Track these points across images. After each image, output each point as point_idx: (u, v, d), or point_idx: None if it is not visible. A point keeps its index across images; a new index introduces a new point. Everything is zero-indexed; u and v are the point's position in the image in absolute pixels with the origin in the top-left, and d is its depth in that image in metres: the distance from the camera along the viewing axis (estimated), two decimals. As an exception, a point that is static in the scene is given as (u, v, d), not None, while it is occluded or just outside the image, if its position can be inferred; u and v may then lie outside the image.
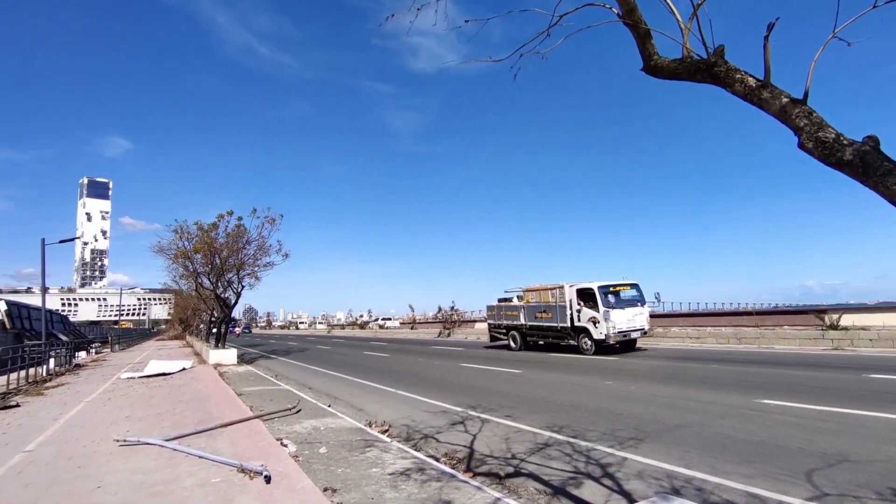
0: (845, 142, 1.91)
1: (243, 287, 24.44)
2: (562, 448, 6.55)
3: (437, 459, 6.17)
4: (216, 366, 19.11)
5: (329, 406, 10.16)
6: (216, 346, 23.55)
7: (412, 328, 54.44)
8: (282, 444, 6.79)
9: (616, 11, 2.64)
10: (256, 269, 24.22)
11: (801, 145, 2.01)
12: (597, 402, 9.52)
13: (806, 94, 2.07)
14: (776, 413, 7.89)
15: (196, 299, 33.40)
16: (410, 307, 60.98)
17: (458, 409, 9.56)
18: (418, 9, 3.36)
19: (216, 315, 28.77)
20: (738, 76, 2.25)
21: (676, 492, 4.84)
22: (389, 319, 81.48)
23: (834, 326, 18.34)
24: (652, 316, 21.47)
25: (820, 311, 20.51)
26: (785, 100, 2.09)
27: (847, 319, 19.04)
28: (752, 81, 2.21)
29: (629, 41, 2.68)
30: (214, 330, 27.55)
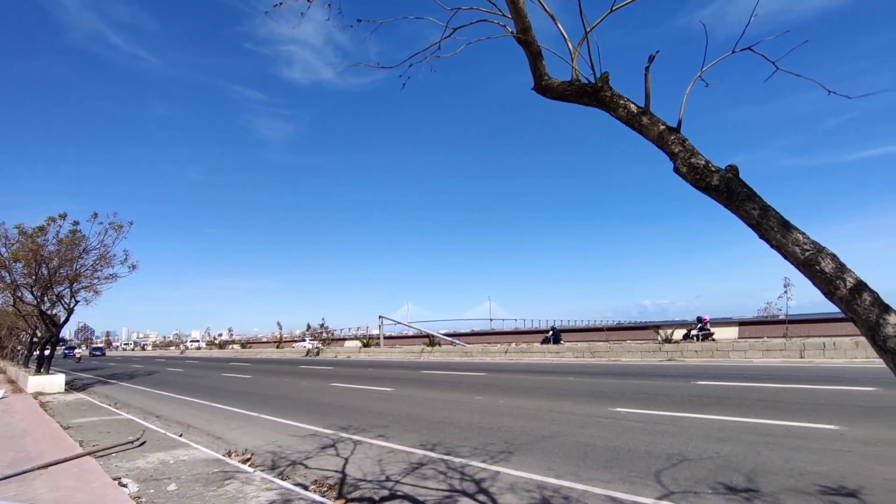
0: (713, 168, 2.11)
1: (77, 302, 21.15)
2: (436, 466, 6.49)
3: (306, 488, 5.74)
4: (37, 395, 16.18)
5: (180, 435, 9.05)
6: (38, 372, 19.99)
7: (278, 347, 51.52)
8: (120, 483, 5.83)
9: (510, 29, 2.69)
10: (95, 281, 21.15)
11: (676, 170, 2.19)
12: (468, 418, 9.68)
13: (679, 124, 2.26)
14: (626, 420, 8.65)
15: (14, 316, 28.21)
16: (279, 325, 57.65)
17: (329, 431, 9.10)
18: (302, 13, 3.14)
19: (39, 335, 24.53)
20: (621, 102, 2.40)
21: (547, 502, 5.02)
22: (251, 340, 76.16)
23: (668, 340, 20.90)
24: (515, 332, 22.69)
25: (656, 327, 23.30)
26: (662, 127, 2.26)
27: (678, 334, 21.85)
28: (633, 108, 2.37)
29: (523, 61, 2.74)
30: (37, 352, 23.40)
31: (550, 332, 27.93)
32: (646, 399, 10.60)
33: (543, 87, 2.63)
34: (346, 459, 7.02)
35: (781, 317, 24.27)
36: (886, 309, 1.78)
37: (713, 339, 20.71)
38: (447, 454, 7.04)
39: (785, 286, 18.74)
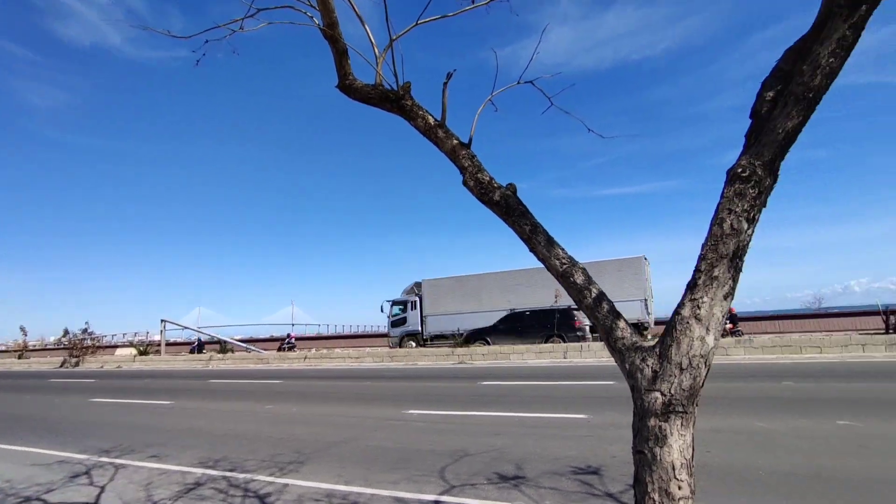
0: (495, 185, 2.33)
1: None
2: (217, 485, 5.90)
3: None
4: None
5: None
6: None
7: (20, 357, 41.69)
8: None
9: (317, 22, 2.60)
10: None
11: (464, 182, 2.36)
12: (257, 428, 9.07)
13: (470, 140, 2.45)
14: (417, 421, 9.05)
15: None
16: (23, 329, 46.39)
17: (84, 456, 7.63)
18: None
19: None
20: (420, 113, 2.49)
21: (333, 510, 4.93)
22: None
23: (459, 344, 22.58)
24: (316, 338, 22.20)
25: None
26: (455, 142, 2.42)
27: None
28: (431, 120, 2.48)
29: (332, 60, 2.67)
30: None
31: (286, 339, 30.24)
32: (436, 400, 11.24)
33: (347, 87, 2.60)
34: (103, 488, 5.95)
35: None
36: (618, 316, 2.15)
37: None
38: (231, 470, 6.46)
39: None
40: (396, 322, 29.23)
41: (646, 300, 23.53)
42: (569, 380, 13.73)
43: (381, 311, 29.69)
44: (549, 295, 22.34)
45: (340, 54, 2.57)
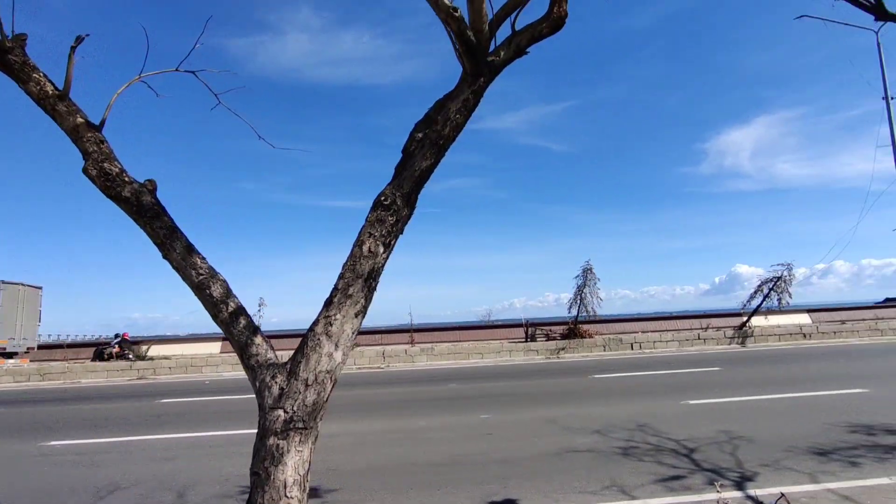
0: (127, 179, 2.01)
1: None
2: None
3: None
4: None
5: None
6: None
7: None
8: None
9: None
10: None
11: (85, 171, 1.97)
12: None
13: (103, 122, 2.06)
14: (60, 454, 7.32)
15: None
16: None
17: None
18: None
19: None
20: (35, 76, 1.99)
21: None
22: None
23: (141, 357, 19.44)
24: None
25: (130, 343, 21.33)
26: (80, 120, 2.01)
27: (155, 350, 20.68)
28: (50, 88, 2.00)
29: None
30: None
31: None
32: (93, 426, 9.34)
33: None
34: None
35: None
36: (255, 332, 2.10)
37: (131, 358, 19.77)
38: None
39: (259, 306, 20.88)
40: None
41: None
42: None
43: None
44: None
45: None
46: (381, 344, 22.18)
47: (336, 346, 2.05)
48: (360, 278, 2.14)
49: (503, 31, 2.48)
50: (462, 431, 7.65)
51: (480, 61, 2.27)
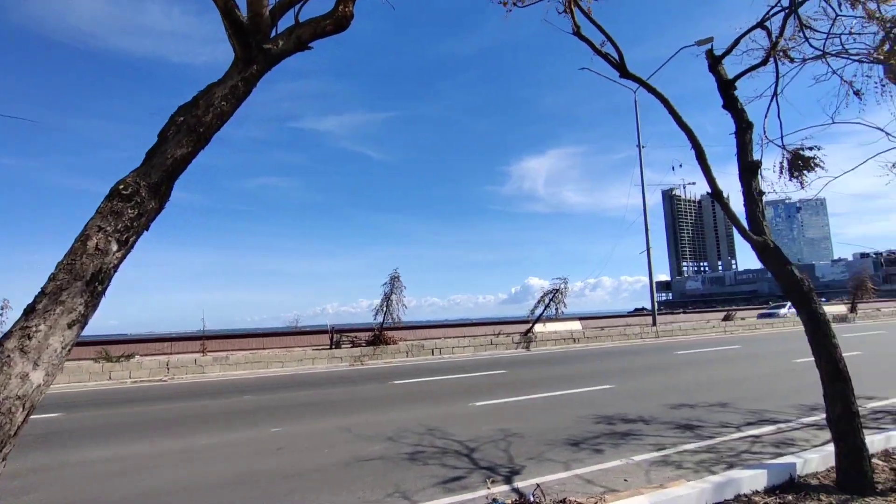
0: None
1: None
2: None
3: None
4: None
5: None
6: None
7: None
8: None
9: None
10: None
11: None
12: None
13: None
14: None
15: None
16: None
17: None
18: None
19: None
20: None
21: None
22: None
23: None
24: None
25: None
26: None
27: None
28: None
29: None
30: None
31: None
32: None
33: None
34: None
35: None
36: None
37: None
38: None
39: (1, 308, 16.77)
40: None
41: None
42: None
43: None
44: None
45: None
46: (166, 353, 19.64)
47: (35, 364, 1.63)
48: (78, 280, 1.75)
49: (289, 22, 2.33)
50: (252, 447, 7.07)
51: (253, 47, 2.07)
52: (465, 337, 22.84)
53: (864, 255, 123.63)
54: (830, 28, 5.09)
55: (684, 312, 44.53)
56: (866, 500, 4.09)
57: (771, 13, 4.66)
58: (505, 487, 5.17)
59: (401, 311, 19.90)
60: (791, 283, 4.29)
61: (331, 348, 19.35)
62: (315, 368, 17.21)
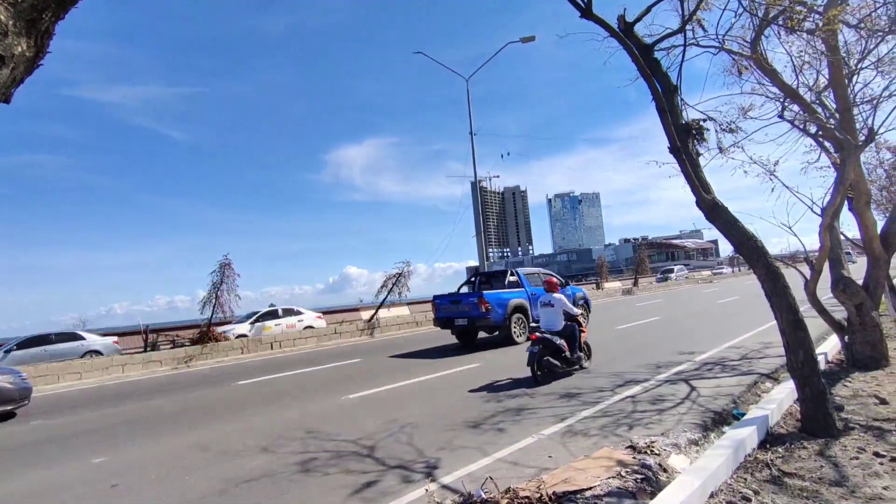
0: None
1: None
2: None
3: None
4: None
5: None
6: None
7: None
8: None
9: None
10: None
11: None
12: None
13: None
14: None
15: None
16: None
17: None
18: None
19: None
20: None
21: None
22: None
23: None
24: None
25: None
26: None
27: None
28: None
29: None
30: None
31: None
32: None
33: None
34: None
35: None
36: None
37: None
38: None
39: None
40: None
41: None
42: None
43: None
44: None
45: None
46: None
47: None
48: None
49: None
50: (73, 491, 5.23)
51: None
52: (305, 328, 21.27)
53: (626, 241, 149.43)
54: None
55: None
56: (840, 442, 4.46)
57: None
58: (433, 486, 4.55)
59: (234, 304, 17.60)
60: (742, 239, 4.45)
61: (145, 351, 16.24)
62: (128, 376, 14.18)
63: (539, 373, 8.59)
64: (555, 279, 13.54)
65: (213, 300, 17.24)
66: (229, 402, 9.54)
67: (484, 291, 13.89)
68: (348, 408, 8.10)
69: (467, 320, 13.93)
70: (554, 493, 4.06)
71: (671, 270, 57.41)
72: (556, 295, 9.39)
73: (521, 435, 5.84)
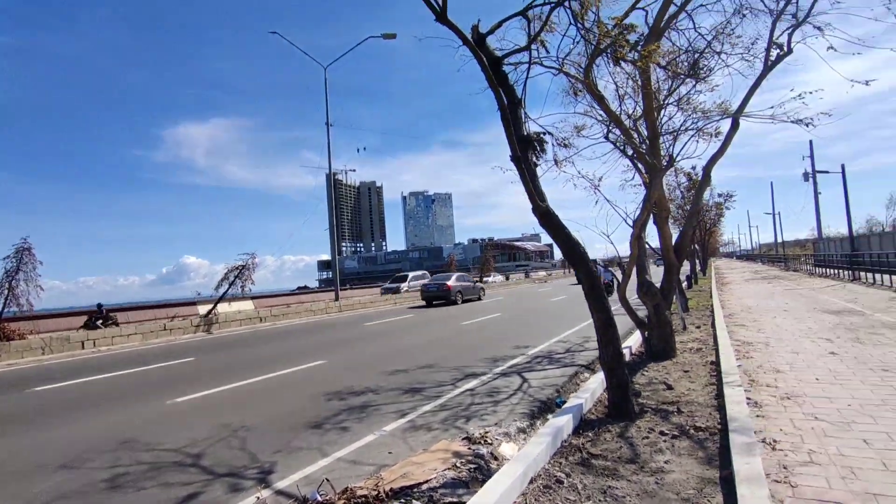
0: None
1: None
2: None
3: None
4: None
5: None
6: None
7: None
8: None
9: None
10: None
11: None
12: None
13: None
14: None
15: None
16: None
17: None
18: None
19: None
20: None
21: None
22: None
23: None
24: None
25: None
26: None
27: None
28: None
29: None
30: None
31: None
32: None
33: None
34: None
35: None
36: None
37: None
38: None
39: None
40: None
41: None
42: None
43: None
44: None
45: None
46: None
47: None
48: None
49: None
50: None
51: None
52: (127, 324, 18.79)
53: (474, 241, 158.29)
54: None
55: (350, 288, 47.36)
56: (636, 424, 5.07)
57: (534, 4, 5.16)
58: (265, 493, 4.31)
59: (34, 296, 14.84)
60: (569, 246, 4.91)
61: None
62: None
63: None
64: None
65: (6, 291, 14.37)
66: (23, 412, 8.01)
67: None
68: (174, 413, 7.32)
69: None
70: (391, 489, 4.10)
71: (404, 279, 39.46)
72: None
73: (364, 433, 5.81)
